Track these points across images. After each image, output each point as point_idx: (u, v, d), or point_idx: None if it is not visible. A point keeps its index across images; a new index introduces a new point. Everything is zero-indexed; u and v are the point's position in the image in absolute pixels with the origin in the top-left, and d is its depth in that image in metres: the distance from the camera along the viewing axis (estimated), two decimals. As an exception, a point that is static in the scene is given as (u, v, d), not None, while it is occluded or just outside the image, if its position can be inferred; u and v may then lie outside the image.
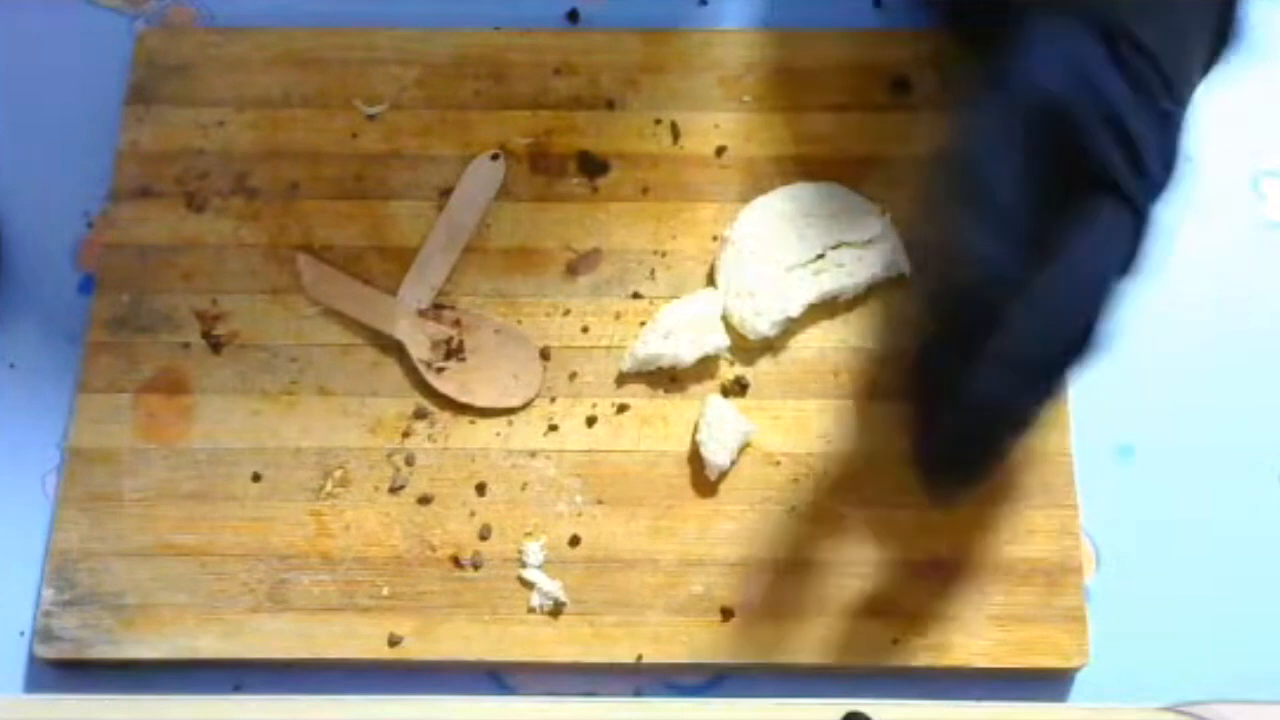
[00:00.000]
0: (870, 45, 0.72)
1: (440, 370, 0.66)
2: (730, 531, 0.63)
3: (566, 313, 0.67)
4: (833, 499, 0.63)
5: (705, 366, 0.66)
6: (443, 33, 0.73)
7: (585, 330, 0.67)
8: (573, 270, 0.68)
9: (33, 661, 0.62)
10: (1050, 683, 0.61)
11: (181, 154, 0.70)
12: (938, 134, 0.53)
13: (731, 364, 0.66)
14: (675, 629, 0.61)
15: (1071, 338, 0.52)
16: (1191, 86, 0.56)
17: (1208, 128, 0.57)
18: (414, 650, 0.61)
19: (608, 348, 0.66)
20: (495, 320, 0.67)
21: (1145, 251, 0.52)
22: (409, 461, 0.64)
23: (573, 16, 0.74)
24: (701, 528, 0.63)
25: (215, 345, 0.67)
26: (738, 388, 0.65)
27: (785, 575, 0.62)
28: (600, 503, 0.63)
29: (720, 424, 0.63)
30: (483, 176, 0.70)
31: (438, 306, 0.67)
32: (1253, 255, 0.69)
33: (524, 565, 0.62)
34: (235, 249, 0.69)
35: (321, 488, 0.64)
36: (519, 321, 0.67)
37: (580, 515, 0.63)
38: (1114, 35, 0.53)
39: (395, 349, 0.66)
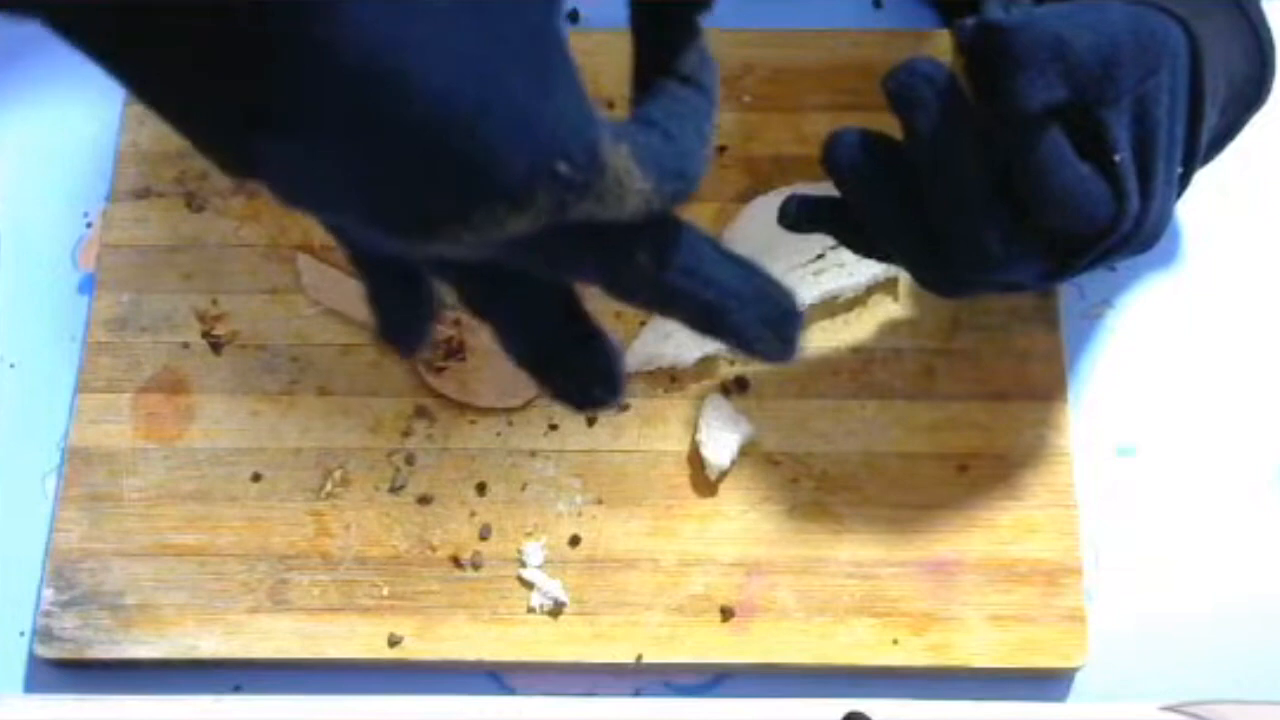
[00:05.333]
0: (870, 45, 0.72)
1: (440, 370, 0.66)
2: (730, 531, 0.63)
3: (566, 313, 0.67)
4: (833, 499, 0.63)
5: (705, 366, 0.66)
6: (443, 33, 0.73)
7: (585, 330, 0.67)
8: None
9: (33, 661, 0.62)
10: (1050, 683, 0.61)
11: (181, 154, 0.70)
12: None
13: (731, 364, 0.66)
14: (675, 629, 0.61)
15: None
16: (1194, 168, 0.56)
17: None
18: (414, 650, 0.61)
19: (608, 348, 0.66)
20: (495, 320, 0.67)
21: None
22: (409, 461, 0.64)
23: (573, 16, 0.74)
24: (701, 528, 0.63)
25: (215, 345, 0.67)
26: (738, 387, 0.65)
27: (785, 575, 0.62)
28: (600, 503, 0.63)
29: (720, 424, 0.63)
30: (483, 176, 0.69)
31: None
32: (1255, 257, 0.69)
33: (524, 565, 0.62)
34: (235, 249, 0.69)
35: (321, 488, 0.64)
36: (519, 321, 0.67)
37: (580, 515, 0.63)
38: (1200, 72, 0.53)
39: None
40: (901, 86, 0.52)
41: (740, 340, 0.40)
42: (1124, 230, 0.52)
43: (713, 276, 0.39)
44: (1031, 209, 0.52)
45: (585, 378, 0.40)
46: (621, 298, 0.39)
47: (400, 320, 0.40)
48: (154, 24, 0.31)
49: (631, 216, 0.35)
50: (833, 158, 0.53)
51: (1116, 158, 0.51)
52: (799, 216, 0.57)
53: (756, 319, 0.40)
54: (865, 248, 0.57)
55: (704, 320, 0.40)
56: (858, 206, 0.55)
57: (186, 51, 0.31)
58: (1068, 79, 0.50)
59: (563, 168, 0.32)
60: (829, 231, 0.57)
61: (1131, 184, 0.52)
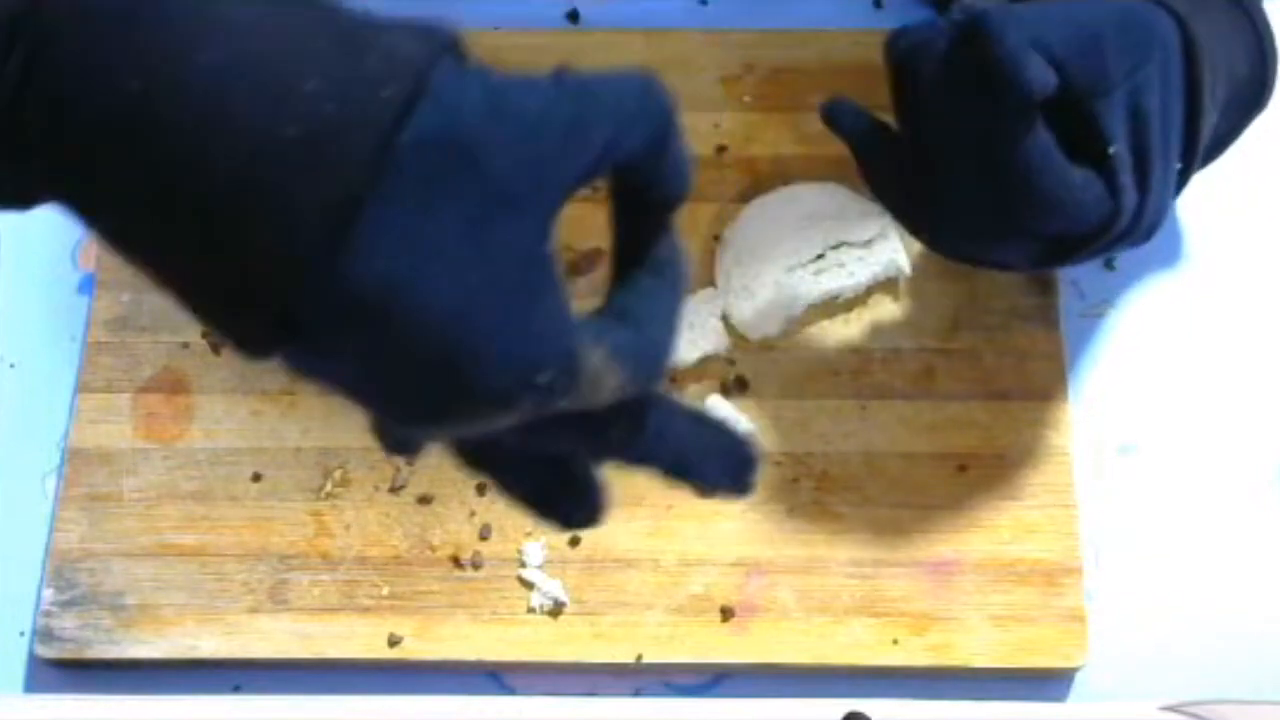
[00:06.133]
0: (870, 45, 0.71)
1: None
2: (730, 531, 0.63)
3: (566, 313, 0.67)
4: (833, 499, 0.63)
5: (705, 366, 0.66)
6: (443, 33, 0.72)
7: (585, 330, 0.66)
8: (573, 270, 0.67)
9: (33, 661, 0.62)
10: (1050, 683, 0.61)
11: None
12: None
13: (731, 364, 0.66)
14: (675, 629, 0.61)
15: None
16: (1194, 166, 0.56)
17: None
18: (414, 650, 0.61)
19: (608, 348, 0.66)
20: (495, 320, 0.67)
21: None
22: (409, 461, 0.64)
23: (573, 17, 0.74)
24: (701, 528, 0.63)
25: (215, 345, 0.67)
26: (738, 387, 0.65)
27: (785, 575, 0.62)
28: (600, 503, 0.63)
29: (720, 424, 0.63)
30: (483, 176, 0.69)
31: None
32: (1255, 257, 0.69)
33: (524, 565, 0.62)
34: (235, 249, 0.68)
35: (321, 488, 0.64)
36: (519, 321, 0.67)
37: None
38: (1196, 70, 0.54)
39: (395, 349, 0.66)
40: (904, 55, 0.54)
41: (703, 489, 0.44)
42: (1120, 227, 0.53)
43: (679, 438, 0.43)
44: (1023, 214, 0.52)
45: (572, 510, 0.44)
46: (597, 460, 0.43)
47: (398, 443, 0.43)
48: (192, 245, 0.34)
49: (604, 403, 0.38)
50: (833, 118, 0.58)
51: (1111, 150, 0.52)
52: (833, 117, 0.59)
53: (719, 470, 0.44)
54: (879, 184, 0.59)
55: (672, 475, 0.43)
56: (860, 165, 0.58)
57: (225, 272, 0.34)
58: (1057, 70, 0.50)
59: (544, 378, 0.36)
60: (854, 147, 0.59)
61: (1127, 178, 0.52)
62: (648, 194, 0.40)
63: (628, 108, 0.37)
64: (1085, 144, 0.52)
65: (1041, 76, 0.50)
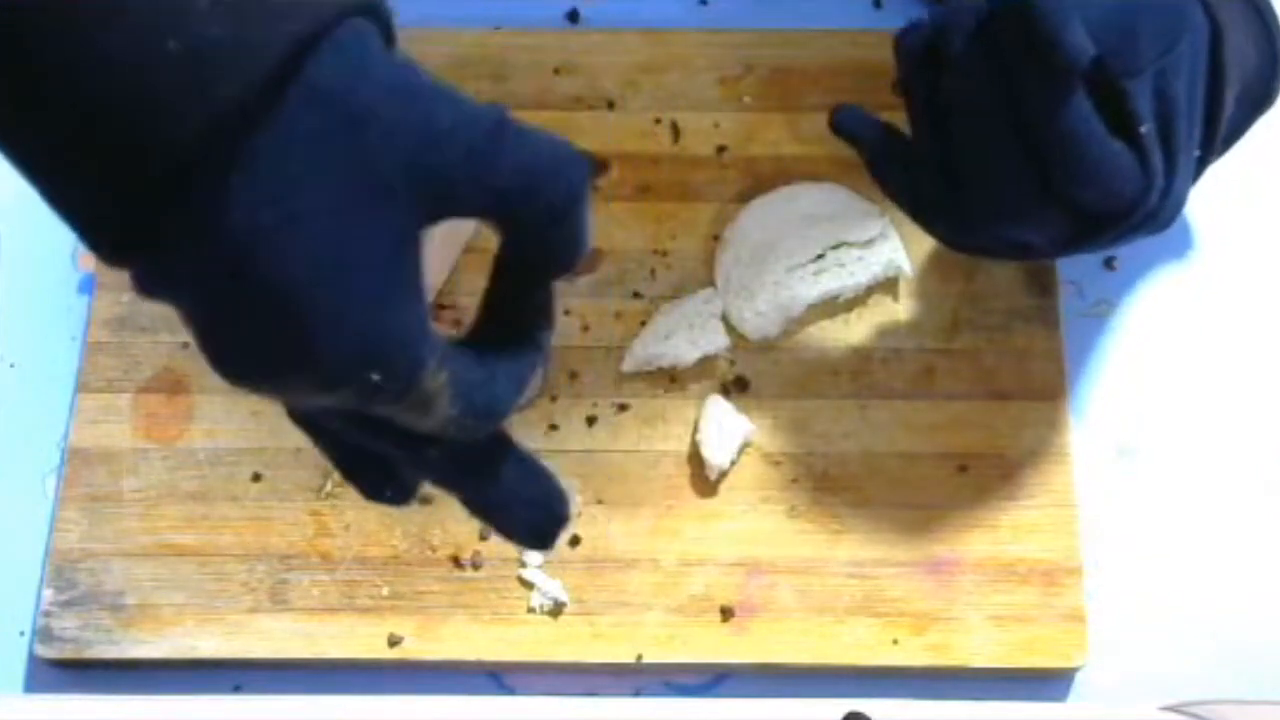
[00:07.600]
0: (870, 45, 0.72)
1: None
2: (730, 531, 0.63)
3: (566, 312, 0.67)
4: (833, 499, 0.63)
5: (705, 366, 0.66)
6: (442, 32, 0.73)
7: (585, 330, 0.67)
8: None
9: (33, 661, 0.62)
10: (1050, 683, 0.61)
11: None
12: None
13: (731, 364, 0.66)
14: (675, 629, 0.61)
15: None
16: (1212, 155, 0.57)
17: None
18: (414, 650, 0.61)
19: (608, 348, 0.66)
20: (495, 320, 0.67)
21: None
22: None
23: (573, 16, 0.74)
24: (701, 528, 0.63)
25: (215, 345, 0.67)
26: (738, 387, 0.65)
27: (785, 575, 0.62)
28: (600, 503, 0.63)
29: (720, 424, 0.63)
30: (483, 176, 0.69)
31: (438, 306, 0.67)
32: (1256, 257, 0.69)
33: (524, 565, 0.62)
34: (235, 249, 0.69)
35: (321, 488, 0.64)
36: (519, 321, 0.67)
37: (580, 515, 0.63)
38: (1219, 61, 0.54)
39: (395, 349, 0.66)
40: (932, 36, 0.55)
41: (504, 535, 0.44)
42: (1149, 206, 0.53)
43: (495, 477, 0.42)
44: (1061, 183, 0.52)
45: (379, 482, 0.44)
46: (408, 468, 0.43)
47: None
48: (70, 154, 0.34)
49: (428, 430, 0.38)
50: (841, 125, 0.59)
51: (1143, 129, 0.52)
52: (842, 123, 0.60)
53: (521, 522, 0.43)
54: (892, 183, 0.59)
55: (478, 511, 0.43)
56: (872, 169, 0.58)
57: (94, 176, 0.34)
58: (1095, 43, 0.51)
59: (376, 377, 0.35)
60: (864, 151, 0.59)
61: (1157, 157, 0.53)
62: (534, 255, 0.39)
63: (541, 173, 0.37)
64: (1114, 125, 0.52)
65: (1084, 42, 0.50)
